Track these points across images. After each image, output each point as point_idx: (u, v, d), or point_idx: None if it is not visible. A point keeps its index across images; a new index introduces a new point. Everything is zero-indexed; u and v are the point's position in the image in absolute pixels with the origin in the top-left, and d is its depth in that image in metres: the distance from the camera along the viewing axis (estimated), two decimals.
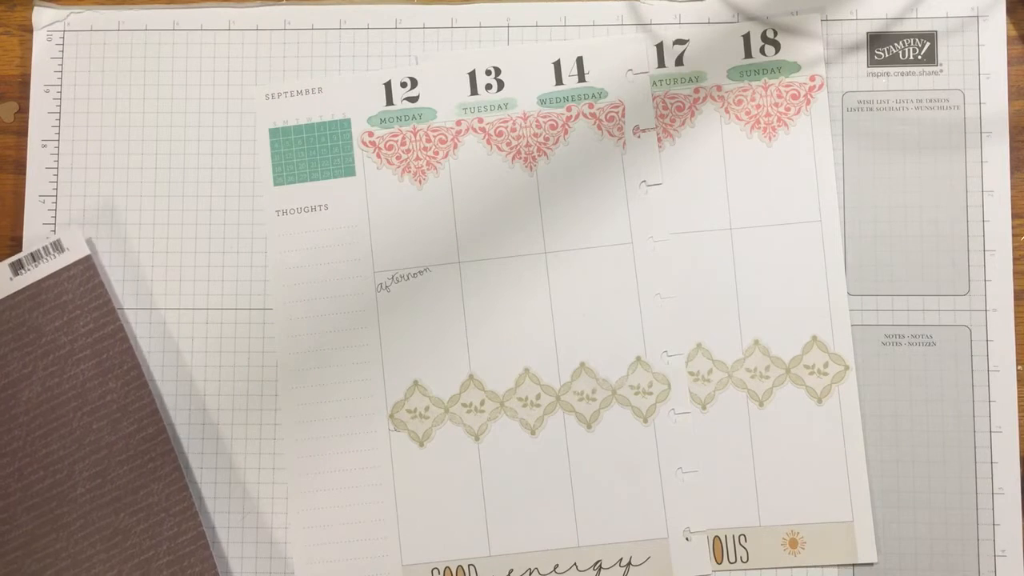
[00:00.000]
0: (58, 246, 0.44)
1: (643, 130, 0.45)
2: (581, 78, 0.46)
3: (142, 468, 0.44)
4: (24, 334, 0.44)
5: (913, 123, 0.45)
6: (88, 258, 0.45)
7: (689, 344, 0.44)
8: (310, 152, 0.46)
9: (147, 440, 0.44)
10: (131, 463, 0.44)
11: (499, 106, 0.46)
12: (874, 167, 0.45)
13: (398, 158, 0.46)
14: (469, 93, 0.46)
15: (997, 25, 0.45)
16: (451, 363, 0.45)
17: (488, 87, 0.46)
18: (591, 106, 0.45)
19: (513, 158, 0.45)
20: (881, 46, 0.45)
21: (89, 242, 0.45)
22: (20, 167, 0.46)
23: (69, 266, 0.44)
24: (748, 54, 0.45)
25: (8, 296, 0.44)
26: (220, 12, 0.47)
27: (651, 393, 0.44)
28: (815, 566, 0.43)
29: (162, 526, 0.44)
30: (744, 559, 0.43)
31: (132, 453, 0.44)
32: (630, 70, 0.45)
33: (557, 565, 0.43)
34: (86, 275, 0.44)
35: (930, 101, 0.45)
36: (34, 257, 0.44)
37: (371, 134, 0.46)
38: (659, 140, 0.45)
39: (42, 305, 0.44)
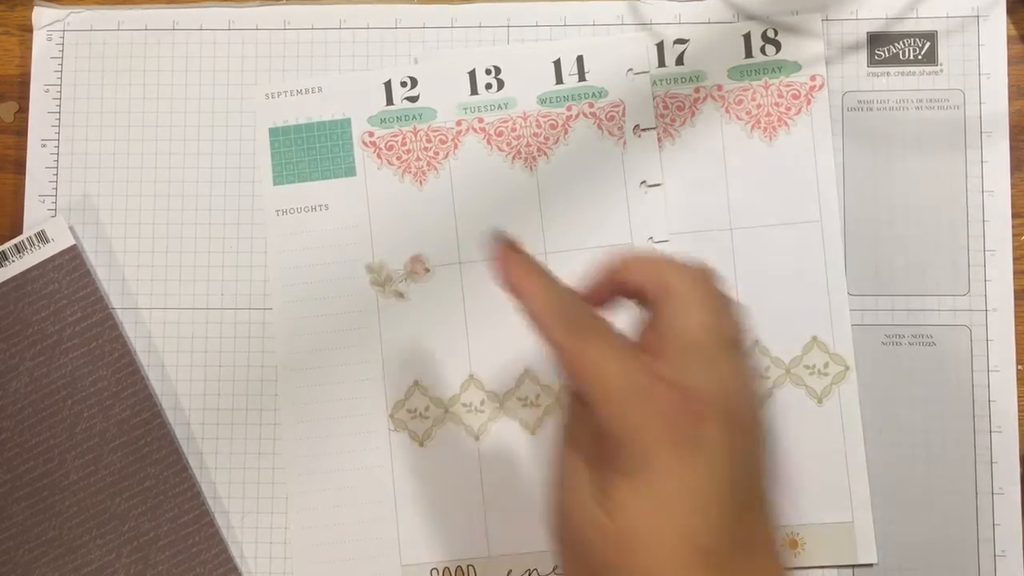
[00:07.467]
0: (42, 236, 0.44)
1: (643, 130, 0.45)
2: (581, 77, 0.45)
3: (137, 453, 0.44)
4: (10, 325, 0.44)
5: (913, 123, 0.45)
6: (73, 247, 0.44)
7: None
8: (310, 152, 0.46)
9: (141, 425, 0.44)
10: (125, 448, 0.44)
11: (499, 106, 0.45)
12: (874, 167, 0.45)
13: (399, 158, 0.45)
14: (469, 93, 0.46)
15: (997, 25, 0.45)
16: (451, 363, 0.45)
17: (488, 86, 0.46)
18: (591, 105, 0.45)
19: (513, 158, 0.45)
20: (881, 46, 0.45)
21: (73, 231, 0.45)
22: (20, 167, 0.46)
23: (54, 256, 0.44)
24: (749, 54, 0.45)
25: None
26: (220, 12, 0.47)
27: None
28: (815, 567, 0.43)
29: (160, 508, 0.44)
30: None
31: (126, 439, 0.44)
32: (630, 69, 0.45)
33: (557, 566, 0.43)
34: (72, 264, 0.44)
35: (930, 101, 0.45)
36: (19, 248, 0.44)
37: (371, 134, 0.46)
38: (659, 140, 0.45)
39: (28, 296, 0.44)
